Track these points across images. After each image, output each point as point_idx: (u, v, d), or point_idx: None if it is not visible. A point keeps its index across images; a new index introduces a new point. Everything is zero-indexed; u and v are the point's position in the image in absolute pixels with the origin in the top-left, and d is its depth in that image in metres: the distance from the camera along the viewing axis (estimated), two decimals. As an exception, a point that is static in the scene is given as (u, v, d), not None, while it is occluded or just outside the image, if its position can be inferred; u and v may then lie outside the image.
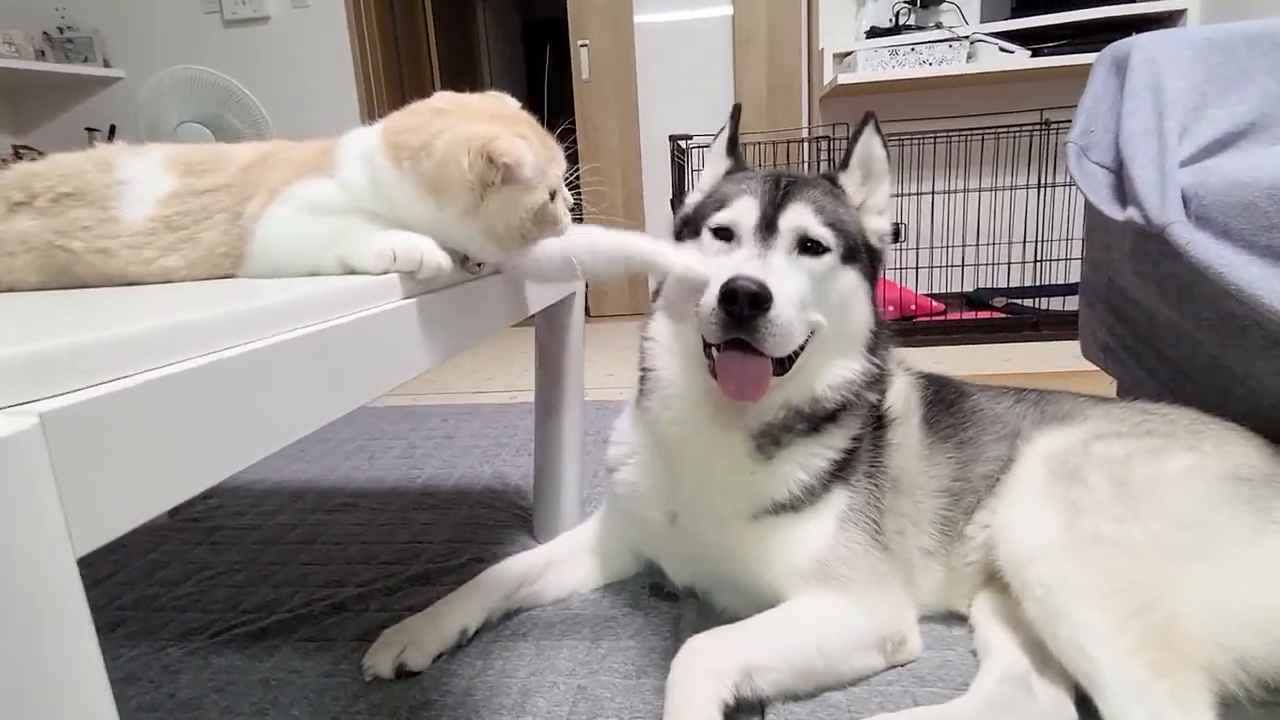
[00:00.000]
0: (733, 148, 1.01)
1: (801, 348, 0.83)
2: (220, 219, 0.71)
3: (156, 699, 0.87)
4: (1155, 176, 1.08)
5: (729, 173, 0.99)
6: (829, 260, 0.85)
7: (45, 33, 3.45)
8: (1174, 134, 1.10)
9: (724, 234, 0.87)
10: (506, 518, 1.34)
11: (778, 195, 0.87)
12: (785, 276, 0.80)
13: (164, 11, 3.42)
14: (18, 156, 3.44)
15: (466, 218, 0.67)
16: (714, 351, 0.82)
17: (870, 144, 0.94)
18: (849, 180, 0.95)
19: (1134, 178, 1.10)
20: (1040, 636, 0.75)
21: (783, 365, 0.83)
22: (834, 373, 0.88)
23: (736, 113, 1.03)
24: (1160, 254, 1.05)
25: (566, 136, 0.79)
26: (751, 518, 0.87)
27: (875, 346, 0.91)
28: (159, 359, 0.34)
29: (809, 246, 0.85)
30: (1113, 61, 1.25)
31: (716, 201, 0.91)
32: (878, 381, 0.92)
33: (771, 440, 0.87)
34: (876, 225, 0.94)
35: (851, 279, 0.88)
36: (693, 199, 0.98)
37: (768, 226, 0.85)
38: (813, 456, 0.87)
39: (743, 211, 0.87)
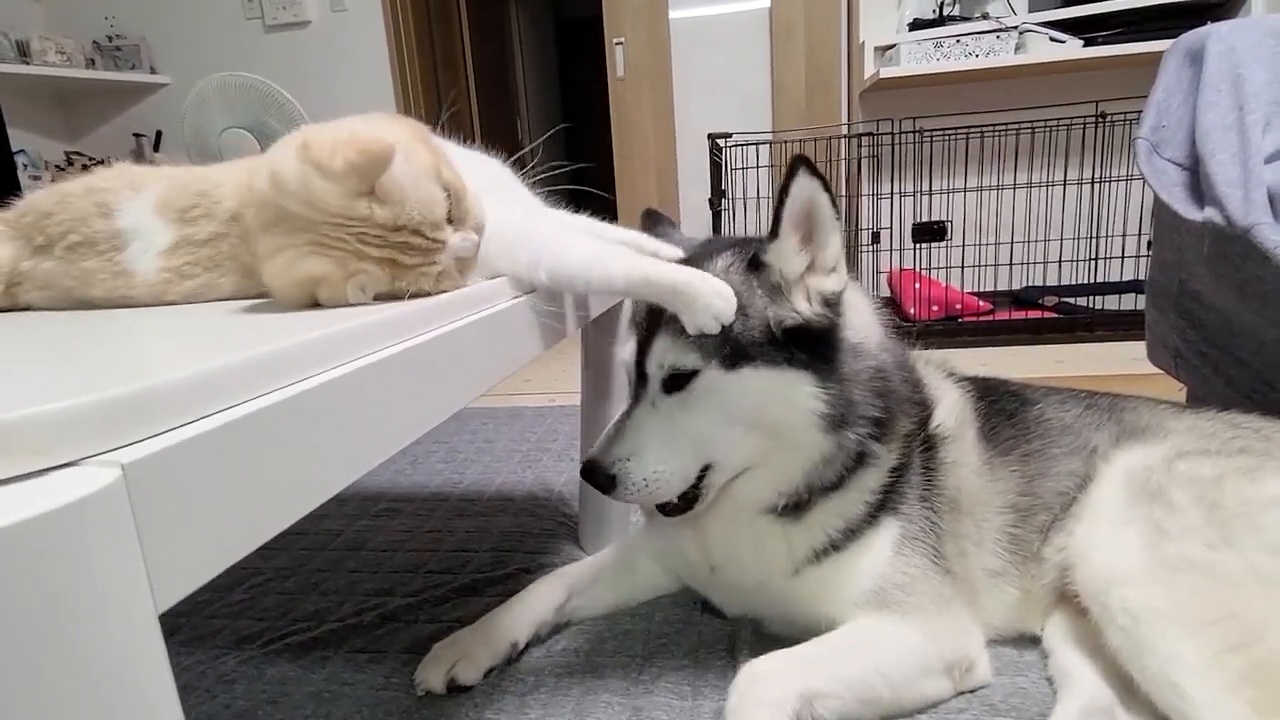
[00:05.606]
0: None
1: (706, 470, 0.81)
2: (231, 268, 0.72)
3: (213, 710, 0.87)
4: (1237, 174, 1.02)
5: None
6: (704, 380, 0.77)
7: (95, 41, 3.54)
8: (1257, 128, 1.04)
9: None
10: (552, 526, 1.33)
11: (647, 326, 0.80)
12: (647, 441, 0.80)
13: (207, 19, 3.49)
14: (69, 162, 3.54)
15: None
16: None
17: (806, 193, 0.75)
18: (781, 249, 0.77)
19: (1213, 175, 1.04)
20: (1125, 668, 0.71)
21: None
22: (788, 466, 0.81)
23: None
24: (1242, 257, 0.99)
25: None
26: (793, 574, 0.84)
27: (846, 419, 0.78)
28: (240, 395, 0.33)
29: (676, 381, 0.78)
30: (1186, 52, 1.18)
31: None
32: (883, 423, 0.81)
33: (794, 508, 0.83)
34: (821, 286, 0.78)
35: (750, 382, 0.76)
36: None
37: (640, 374, 0.81)
38: (846, 505, 0.84)
39: (625, 354, 0.84)
